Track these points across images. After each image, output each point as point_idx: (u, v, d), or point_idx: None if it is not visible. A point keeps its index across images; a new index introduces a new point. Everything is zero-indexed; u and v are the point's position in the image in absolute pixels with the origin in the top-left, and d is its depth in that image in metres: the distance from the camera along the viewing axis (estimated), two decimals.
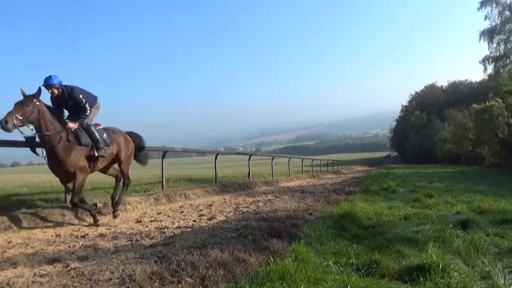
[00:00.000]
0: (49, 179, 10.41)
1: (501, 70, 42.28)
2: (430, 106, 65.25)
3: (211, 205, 7.87)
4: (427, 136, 54.40)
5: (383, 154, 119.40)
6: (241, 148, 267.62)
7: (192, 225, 5.57)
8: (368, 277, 3.04)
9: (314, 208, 6.82)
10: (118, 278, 3.09)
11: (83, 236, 4.85)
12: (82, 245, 4.36)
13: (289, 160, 20.05)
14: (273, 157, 18.51)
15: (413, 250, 3.77)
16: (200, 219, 6.12)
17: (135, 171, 8.35)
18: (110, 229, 5.32)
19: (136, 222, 5.84)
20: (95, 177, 9.12)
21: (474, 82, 65.03)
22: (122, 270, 3.29)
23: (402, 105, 77.33)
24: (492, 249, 3.83)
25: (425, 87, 73.60)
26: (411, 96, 75.42)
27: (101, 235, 4.88)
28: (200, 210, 7.06)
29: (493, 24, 43.90)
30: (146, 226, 5.52)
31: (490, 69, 45.33)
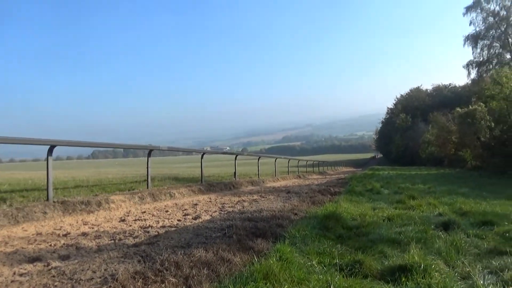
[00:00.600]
0: (30, 176, 10.23)
1: (484, 75, 43.36)
2: (415, 109, 66.45)
3: (196, 204, 7.83)
4: (412, 139, 55.40)
5: (369, 155, 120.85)
6: (228, 148, 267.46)
7: (177, 224, 5.52)
8: (351, 277, 3.06)
9: (299, 208, 6.84)
10: (100, 278, 3.04)
11: (65, 235, 4.76)
12: (63, 244, 4.27)
13: (275, 160, 20.11)
14: (259, 157, 18.52)
15: (395, 250, 3.82)
16: (185, 218, 6.08)
17: (120, 169, 8.27)
18: (93, 228, 5.24)
19: (120, 221, 5.77)
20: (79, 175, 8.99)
21: (458, 86, 66.54)
22: (105, 270, 3.24)
23: (388, 108, 78.74)
24: (472, 250, 3.91)
25: (411, 90, 75.11)
26: (396, 99, 76.84)
27: (84, 234, 4.81)
28: (185, 209, 7.02)
29: (477, 29, 45.06)
30: (130, 225, 5.46)
31: (473, 73, 46.61)
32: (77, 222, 5.60)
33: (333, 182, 15.79)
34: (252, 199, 9.01)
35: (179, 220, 5.88)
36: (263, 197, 9.34)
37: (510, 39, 43.02)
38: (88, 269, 3.25)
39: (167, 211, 6.80)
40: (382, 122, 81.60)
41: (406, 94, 75.10)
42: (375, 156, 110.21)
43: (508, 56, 43.80)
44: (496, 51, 44.57)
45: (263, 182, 14.84)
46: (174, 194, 8.78)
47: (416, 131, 54.71)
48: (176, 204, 7.80)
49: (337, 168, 46.15)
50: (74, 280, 3.00)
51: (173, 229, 5.12)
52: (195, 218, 6.03)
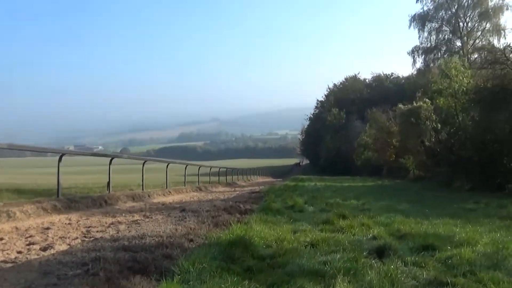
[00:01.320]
0: None
1: (431, 65, 48.01)
2: (350, 103, 70.95)
3: (48, 228, 7.46)
4: (346, 141, 59.03)
5: (292, 161, 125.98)
6: (100, 148, 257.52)
7: (16, 258, 5.20)
8: None
9: (196, 232, 6.88)
10: None
11: None
12: None
13: (167, 167, 19.89)
14: (145, 161, 18.16)
15: (318, 286, 4.01)
16: (29, 249, 5.76)
17: None
18: None
19: None
20: None
21: (401, 77, 72.93)
22: None
23: (318, 101, 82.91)
24: (410, 282, 4.27)
25: (346, 79, 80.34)
26: (328, 90, 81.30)
27: None
28: (31, 236, 6.64)
29: (425, 8, 49.81)
30: None
31: (419, 62, 51.38)
32: None
33: (245, 197, 16.08)
34: (132, 220, 8.87)
35: (19, 252, 5.55)
36: (148, 218, 9.25)
37: (461, 23, 48.26)
38: None
39: (1, 239, 6.32)
40: (310, 118, 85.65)
41: (341, 83, 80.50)
42: (300, 162, 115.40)
43: (458, 43, 49.09)
44: (446, 36, 49.85)
45: (149, 196, 14.62)
46: (15, 213, 8.20)
47: (351, 131, 58.38)
48: (16, 228, 7.31)
49: (252, 177, 47.15)
50: None
51: (8, 265, 4.81)
52: (44, 249, 5.73)
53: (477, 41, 47.43)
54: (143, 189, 15.88)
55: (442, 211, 11.43)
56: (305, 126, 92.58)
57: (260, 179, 47.35)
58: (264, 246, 5.73)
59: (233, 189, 23.59)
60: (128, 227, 7.89)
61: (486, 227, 8.14)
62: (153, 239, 6.16)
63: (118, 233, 7.13)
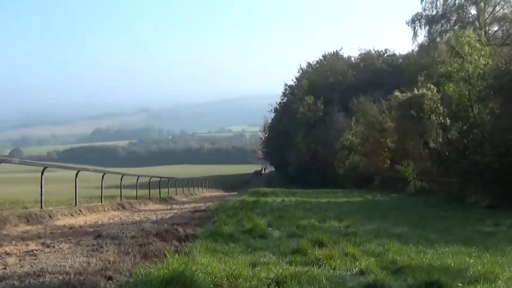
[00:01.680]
0: None
1: (438, 39, 48.72)
2: (330, 89, 70.75)
3: None
4: (324, 140, 59.18)
5: (251, 168, 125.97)
6: None
7: None
8: None
9: (117, 266, 6.80)
10: None
11: None
12: None
13: (76, 175, 19.45)
14: (44, 168, 17.72)
15: None
16: None
17: None
18: None
19: None
20: None
21: (398, 55, 73.91)
22: None
23: (286, 86, 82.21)
24: None
25: (324, 57, 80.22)
26: (300, 71, 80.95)
27: None
28: None
29: None
30: None
31: (422, 35, 52.13)
32: None
33: (185, 217, 15.98)
34: (25, 250, 8.69)
35: None
36: (49, 247, 9.08)
37: None
38: None
39: None
40: (276, 109, 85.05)
41: (317, 63, 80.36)
42: (261, 170, 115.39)
43: (473, 11, 49.70)
44: (456, 2, 50.23)
45: (50, 217, 14.26)
46: None
47: (331, 128, 58.31)
48: None
49: (195, 191, 46.55)
50: None
51: None
52: None
53: (497, 8, 47.81)
54: (42, 207, 15.38)
55: (452, 236, 11.60)
56: (269, 121, 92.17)
57: (207, 192, 46.88)
58: (211, 286, 5.69)
59: (169, 207, 23.30)
60: (20, 260, 7.71)
61: (510, 256, 8.30)
62: (56, 277, 6.04)
63: (5, 269, 6.95)
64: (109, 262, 7.12)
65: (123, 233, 10.77)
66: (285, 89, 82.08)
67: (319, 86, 73.15)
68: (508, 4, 47.35)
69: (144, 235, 10.26)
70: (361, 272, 6.56)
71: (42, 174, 16.87)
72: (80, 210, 16.88)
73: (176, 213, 18.91)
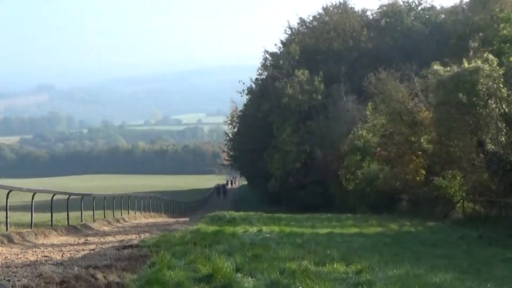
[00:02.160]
0: None
1: None
2: (333, 59, 60.51)
3: None
4: (324, 139, 51.63)
5: (211, 180, 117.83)
6: None
7: None
8: None
9: None
10: None
11: None
12: None
13: None
14: None
15: None
16: None
17: None
18: None
19: None
20: None
21: (440, 8, 65.57)
22: None
23: (266, 53, 67.80)
24: None
25: (325, 9, 68.37)
26: (289, 31, 67.76)
27: None
28: None
29: None
30: None
31: None
32: None
33: (107, 257, 13.52)
34: None
35: None
36: None
37: None
38: None
39: None
40: (250, 90, 69.10)
41: (314, 19, 68.64)
42: (227, 183, 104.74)
43: None
44: None
45: None
46: None
47: (334, 119, 50.94)
48: None
49: (125, 215, 39.92)
50: None
51: None
52: None
53: None
54: None
55: None
56: (239, 107, 75.99)
57: (143, 218, 40.84)
58: None
59: (83, 240, 19.62)
60: None
61: None
62: None
63: None
64: None
65: (8, 281, 8.93)
66: (265, 59, 66.76)
67: (317, 54, 61.78)
68: None
69: (43, 285, 8.28)
70: None
71: None
72: None
73: (93, 249, 16.00)
